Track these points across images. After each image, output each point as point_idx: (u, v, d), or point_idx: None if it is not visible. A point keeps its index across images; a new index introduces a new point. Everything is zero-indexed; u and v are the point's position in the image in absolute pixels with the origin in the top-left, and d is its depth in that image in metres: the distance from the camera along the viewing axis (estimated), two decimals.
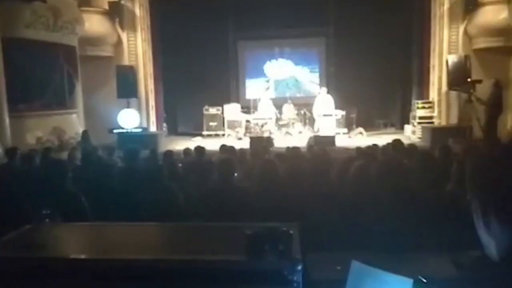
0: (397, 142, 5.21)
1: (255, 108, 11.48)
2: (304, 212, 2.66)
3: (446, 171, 3.20)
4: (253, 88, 13.04)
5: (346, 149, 8.13)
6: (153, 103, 11.26)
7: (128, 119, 10.16)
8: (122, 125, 10.06)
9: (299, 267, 1.48)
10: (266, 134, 10.53)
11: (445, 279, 1.71)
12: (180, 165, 3.99)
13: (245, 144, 9.21)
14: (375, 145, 5.77)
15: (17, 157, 5.64)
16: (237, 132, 11.22)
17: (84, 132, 8.47)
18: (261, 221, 2.18)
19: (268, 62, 13.16)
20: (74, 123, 9.30)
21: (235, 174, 3.67)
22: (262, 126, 10.97)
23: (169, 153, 6.09)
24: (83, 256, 1.45)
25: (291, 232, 1.56)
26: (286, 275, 1.46)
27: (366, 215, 2.22)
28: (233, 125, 11.45)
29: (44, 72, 8.47)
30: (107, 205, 3.05)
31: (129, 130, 9.97)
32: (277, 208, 2.87)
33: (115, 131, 9.84)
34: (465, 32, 10.03)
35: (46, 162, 3.97)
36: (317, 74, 13.17)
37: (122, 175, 3.62)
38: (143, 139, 9.41)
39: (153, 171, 3.07)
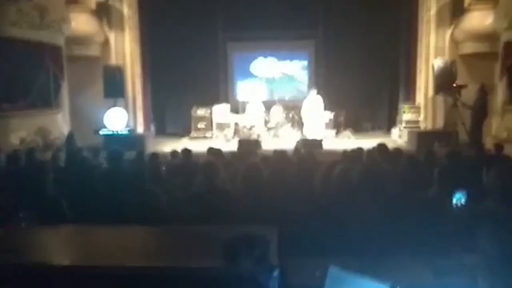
0: (382, 146, 5.24)
1: (244, 110, 11.46)
2: (286, 216, 2.66)
3: (430, 176, 3.23)
4: (243, 89, 13.03)
5: (333, 152, 8.16)
6: (141, 104, 11.17)
7: (115, 120, 10.05)
8: (108, 126, 9.94)
9: (275, 274, 1.47)
10: (254, 137, 10.52)
11: (422, 285, 1.72)
12: (163, 168, 3.94)
13: (233, 146, 9.19)
14: (360, 148, 5.79)
15: (0, 157, 5.56)
16: (225, 134, 11.18)
17: (69, 133, 8.36)
18: (243, 224, 2.16)
19: (255, 61, 13.15)
20: (60, 123, 9.18)
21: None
22: (250, 128, 10.96)
23: (155, 156, 6.05)
24: (45, 262, 1.42)
25: (267, 238, 1.55)
26: (262, 282, 1.45)
27: (346, 219, 2.22)
28: (221, 127, 11.42)
29: (29, 71, 8.32)
30: (89, 207, 3.01)
31: (115, 131, 9.86)
32: (259, 212, 2.87)
33: (101, 132, 9.73)
34: (452, 37, 10.15)
35: (28, 164, 3.90)
36: (306, 76, 13.21)
37: (104, 177, 3.57)
38: (130, 140, 9.33)
39: (135, 174, 3.03)
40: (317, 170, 3.61)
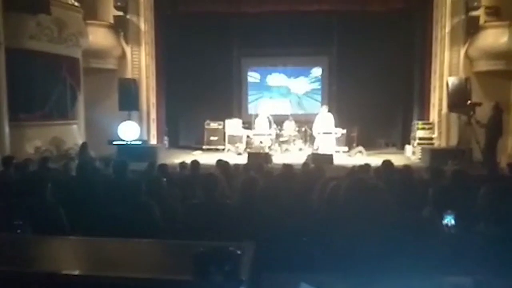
0: (387, 162, 5.18)
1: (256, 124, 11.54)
2: (278, 231, 2.66)
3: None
4: (256, 104, 13.15)
5: (343, 168, 8.10)
6: (155, 116, 11.35)
7: (128, 132, 10.25)
8: (122, 137, 10.14)
9: None
10: (266, 150, 10.55)
11: None
12: (165, 179, 3.99)
13: (244, 159, 9.24)
14: (367, 164, 5.75)
15: (12, 166, 5.72)
16: (237, 147, 11.25)
17: (83, 143, 8.55)
18: (237, 238, 2.17)
19: (269, 76, 13.27)
20: (74, 134, 9.40)
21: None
22: (261, 142, 11.01)
23: (162, 167, 6.12)
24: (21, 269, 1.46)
25: (239, 253, 1.56)
26: None
27: (332, 236, 2.21)
28: (233, 140, 11.51)
29: (46, 83, 8.61)
30: (87, 217, 3.07)
31: (128, 142, 10.04)
32: (252, 226, 2.87)
33: (114, 143, 9.92)
34: (466, 54, 10.04)
35: (26, 173, 4.01)
36: (319, 92, 13.24)
37: (106, 187, 3.64)
38: (142, 151, 9.47)
39: (131, 186, 3.08)
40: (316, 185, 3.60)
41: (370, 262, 2.07)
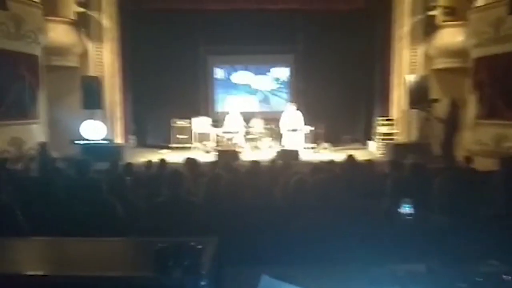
0: (350, 157, 5.35)
1: (224, 122, 11.53)
2: (240, 225, 2.70)
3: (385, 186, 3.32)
4: (223, 102, 13.14)
5: (309, 164, 8.25)
6: (120, 115, 11.13)
7: (92, 131, 10.00)
8: (85, 137, 9.88)
9: (203, 282, 1.51)
10: (234, 148, 10.57)
11: None
12: (128, 178, 3.95)
13: (213, 157, 9.23)
14: (332, 160, 5.90)
15: None
16: (205, 145, 11.22)
17: (42, 143, 8.27)
18: (201, 234, 2.19)
19: (235, 74, 13.30)
20: (35, 133, 9.08)
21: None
22: (230, 139, 11.02)
23: (128, 166, 6.05)
24: None
25: (199, 247, 1.59)
26: None
27: (294, 228, 2.28)
28: (202, 138, 11.46)
29: (3, 81, 8.25)
30: (47, 217, 3.00)
31: (92, 142, 9.80)
32: (217, 222, 2.90)
33: (77, 142, 9.66)
34: (425, 53, 10.44)
35: None
36: (285, 90, 13.39)
37: (67, 187, 3.57)
38: (107, 150, 9.27)
39: (92, 185, 3.04)
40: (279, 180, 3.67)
41: (329, 252, 2.16)
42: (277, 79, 13.43)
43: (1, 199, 2.80)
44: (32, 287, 1.42)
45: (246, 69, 13.33)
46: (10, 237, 2.07)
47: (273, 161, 7.54)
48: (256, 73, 13.34)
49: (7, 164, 6.15)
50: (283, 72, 13.41)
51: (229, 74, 13.37)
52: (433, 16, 10.19)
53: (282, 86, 13.43)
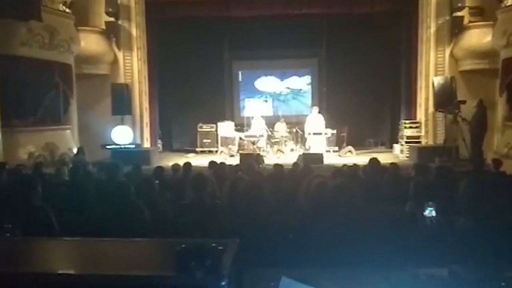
0: (373, 160, 5.33)
1: (249, 126, 11.66)
2: (262, 228, 2.77)
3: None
4: (247, 106, 13.27)
5: (333, 167, 8.23)
6: (148, 120, 11.43)
7: (122, 136, 10.32)
8: (115, 141, 10.21)
9: (223, 283, 1.57)
10: (258, 152, 10.66)
11: None
12: (157, 181, 4.10)
13: (237, 161, 9.34)
14: (354, 164, 5.89)
15: (5, 171, 5.78)
16: (230, 149, 11.37)
17: (80, 148, 8.62)
18: (223, 236, 2.27)
19: (259, 79, 13.42)
20: (68, 139, 9.46)
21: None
22: (254, 143, 11.13)
23: (158, 169, 6.21)
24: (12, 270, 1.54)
25: (220, 248, 1.66)
26: None
27: (316, 231, 2.33)
28: (226, 142, 11.63)
29: (38, 89, 8.66)
30: (77, 219, 3.16)
31: (122, 146, 10.11)
32: (240, 225, 2.99)
33: (108, 147, 9.99)
34: (451, 54, 10.25)
35: (15, 177, 4.08)
36: (309, 94, 13.41)
37: (96, 190, 3.74)
38: (136, 155, 9.55)
39: (121, 187, 3.18)
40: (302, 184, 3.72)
41: (350, 255, 2.20)
42: (300, 83, 13.46)
43: (35, 201, 2.96)
44: (62, 285, 1.52)
45: (270, 74, 13.42)
46: (43, 238, 2.22)
47: (296, 165, 7.59)
48: (280, 78, 13.42)
49: (42, 168, 6.44)
50: (306, 76, 13.43)
51: (254, 79, 13.50)
52: (459, 17, 10.01)
53: (305, 90, 13.45)
